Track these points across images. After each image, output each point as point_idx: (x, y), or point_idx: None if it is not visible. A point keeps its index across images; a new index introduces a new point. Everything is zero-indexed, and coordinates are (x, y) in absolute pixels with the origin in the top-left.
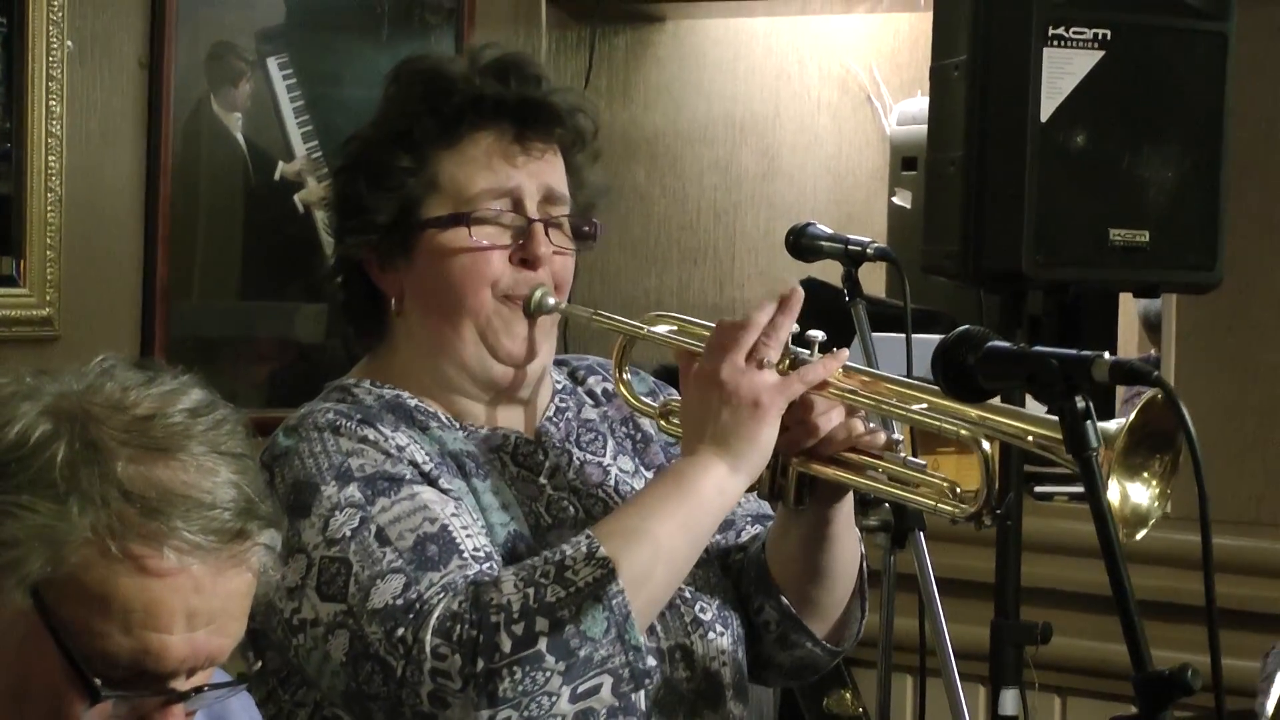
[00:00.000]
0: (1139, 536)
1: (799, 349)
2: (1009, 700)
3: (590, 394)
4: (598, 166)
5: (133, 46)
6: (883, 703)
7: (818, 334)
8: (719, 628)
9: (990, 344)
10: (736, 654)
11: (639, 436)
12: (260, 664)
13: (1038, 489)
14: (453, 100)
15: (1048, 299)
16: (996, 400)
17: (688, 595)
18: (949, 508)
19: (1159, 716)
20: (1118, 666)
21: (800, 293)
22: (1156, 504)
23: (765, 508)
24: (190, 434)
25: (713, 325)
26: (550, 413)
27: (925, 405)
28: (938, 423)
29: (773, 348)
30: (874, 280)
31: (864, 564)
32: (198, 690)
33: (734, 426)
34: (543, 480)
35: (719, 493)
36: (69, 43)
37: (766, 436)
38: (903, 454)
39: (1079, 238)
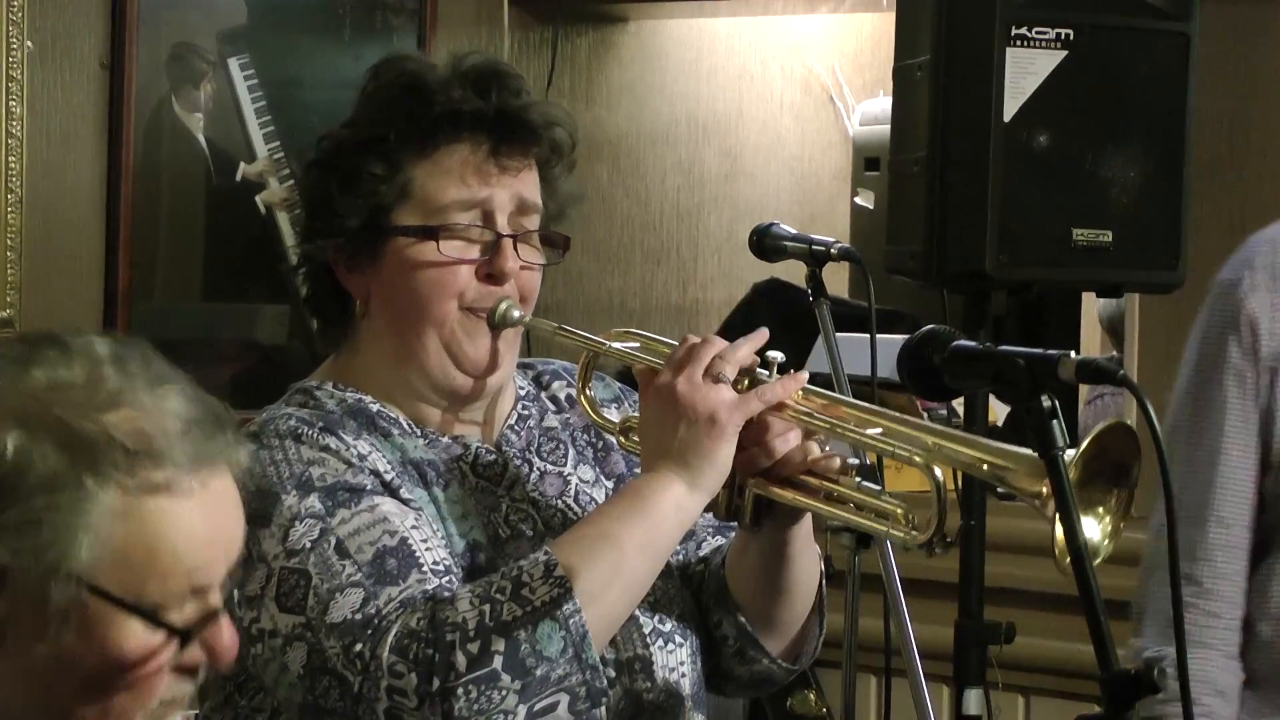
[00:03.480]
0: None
1: (758, 370)
2: (973, 700)
3: (553, 399)
4: (573, 178)
5: (93, 47)
6: (847, 703)
7: (777, 355)
8: (678, 639)
9: (956, 343)
10: (695, 665)
11: (600, 445)
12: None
13: (1001, 490)
14: (431, 111)
15: (1011, 299)
16: (959, 405)
17: (646, 607)
18: (900, 534)
19: (1124, 715)
20: (1082, 666)
21: (765, 332)
22: (1107, 540)
23: None
24: (130, 379)
25: (674, 343)
26: (512, 421)
27: (881, 430)
28: (892, 449)
29: (730, 365)
30: (836, 281)
31: (823, 582)
32: (231, 592)
33: (691, 443)
34: (501, 492)
35: (677, 510)
36: (29, 43)
37: (724, 454)
38: (858, 479)
39: (1042, 238)
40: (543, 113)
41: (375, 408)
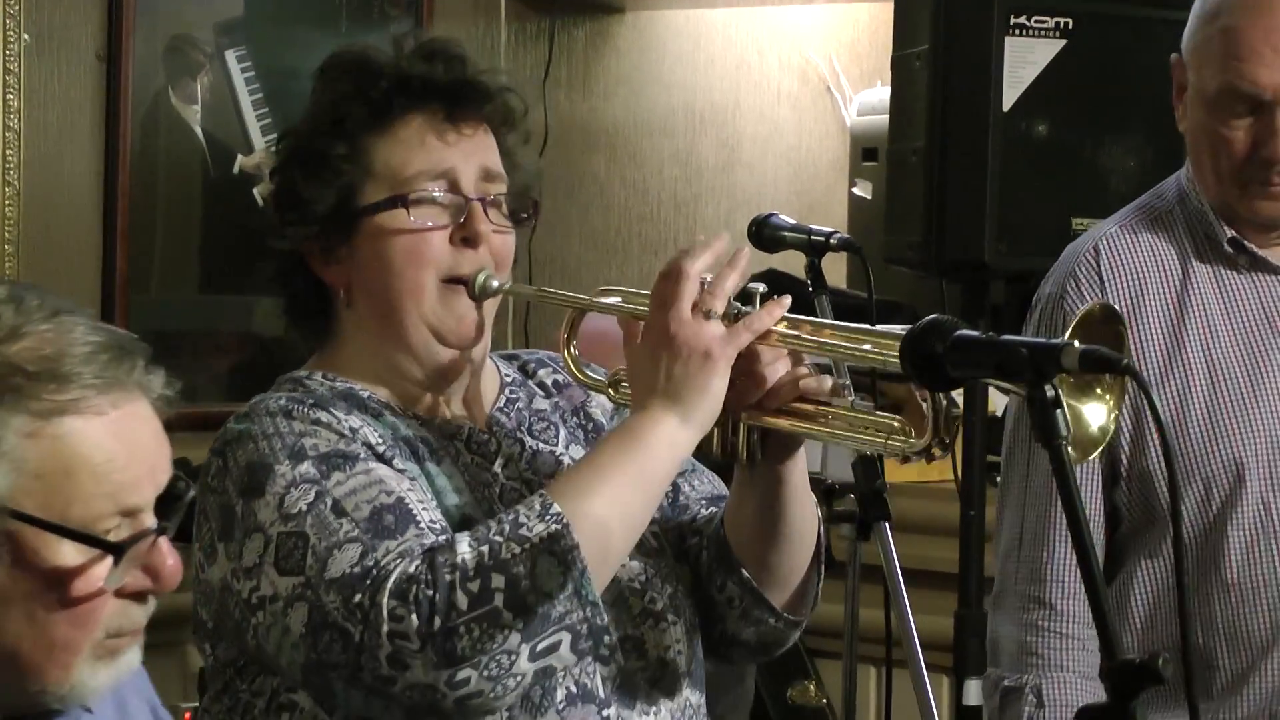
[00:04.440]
0: (1092, 457)
1: (738, 304)
2: (973, 691)
3: (541, 385)
4: (531, 150)
5: (90, 39)
6: (847, 694)
7: (759, 286)
8: (671, 617)
9: (959, 333)
10: (691, 643)
11: (590, 426)
12: (214, 656)
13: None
14: (381, 84)
15: (1010, 288)
16: (959, 396)
17: (638, 587)
18: (899, 444)
19: (1129, 705)
20: None
21: (747, 252)
22: (1110, 420)
23: (719, 489)
24: (28, 314)
25: None
26: (501, 404)
27: (870, 346)
28: (883, 358)
29: (719, 299)
30: (835, 271)
31: (821, 529)
32: (164, 521)
33: (684, 379)
34: (496, 469)
35: (670, 445)
36: (26, 35)
37: (717, 387)
38: (850, 398)
39: (1041, 227)
40: (492, 77)
41: (365, 393)
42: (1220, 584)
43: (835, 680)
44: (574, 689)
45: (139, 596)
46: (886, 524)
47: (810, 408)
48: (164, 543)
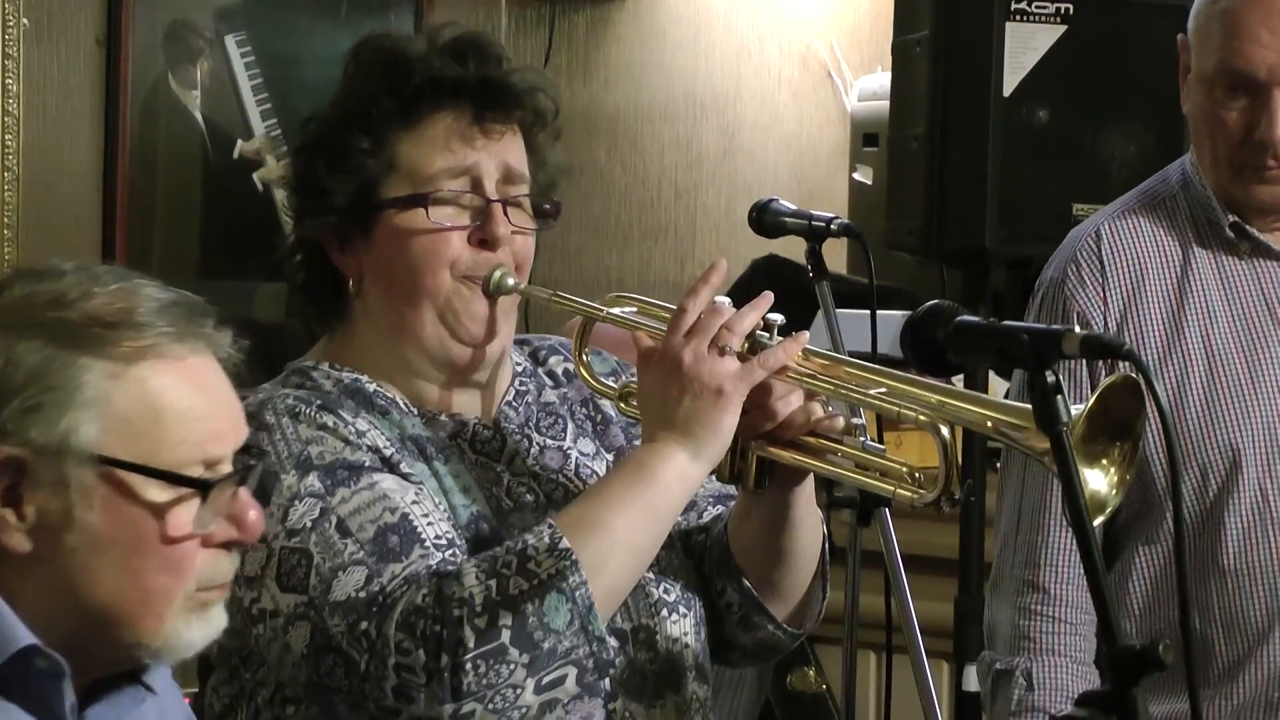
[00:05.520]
0: (1096, 523)
1: (759, 333)
2: (972, 677)
3: (551, 375)
4: (559, 146)
5: (90, 24)
6: (847, 680)
7: (777, 317)
8: (681, 609)
9: (960, 319)
10: (699, 636)
11: (599, 418)
12: (218, 643)
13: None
14: (411, 81)
15: (1010, 274)
16: (959, 382)
17: (651, 577)
18: (908, 493)
19: (1129, 691)
20: None
21: (770, 297)
22: (1115, 492)
23: (728, 488)
24: (99, 278)
25: (672, 307)
26: (509, 397)
27: (884, 390)
28: (896, 408)
29: (736, 336)
30: (835, 257)
31: (825, 546)
32: (244, 470)
33: (696, 414)
34: (501, 467)
35: (680, 480)
36: (25, 20)
37: (728, 424)
38: (863, 438)
39: (1042, 213)
40: (524, 78)
41: (372, 387)
42: (1217, 570)
43: (835, 666)
44: None
45: (226, 547)
46: (886, 510)
47: (821, 444)
48: (244, 493)
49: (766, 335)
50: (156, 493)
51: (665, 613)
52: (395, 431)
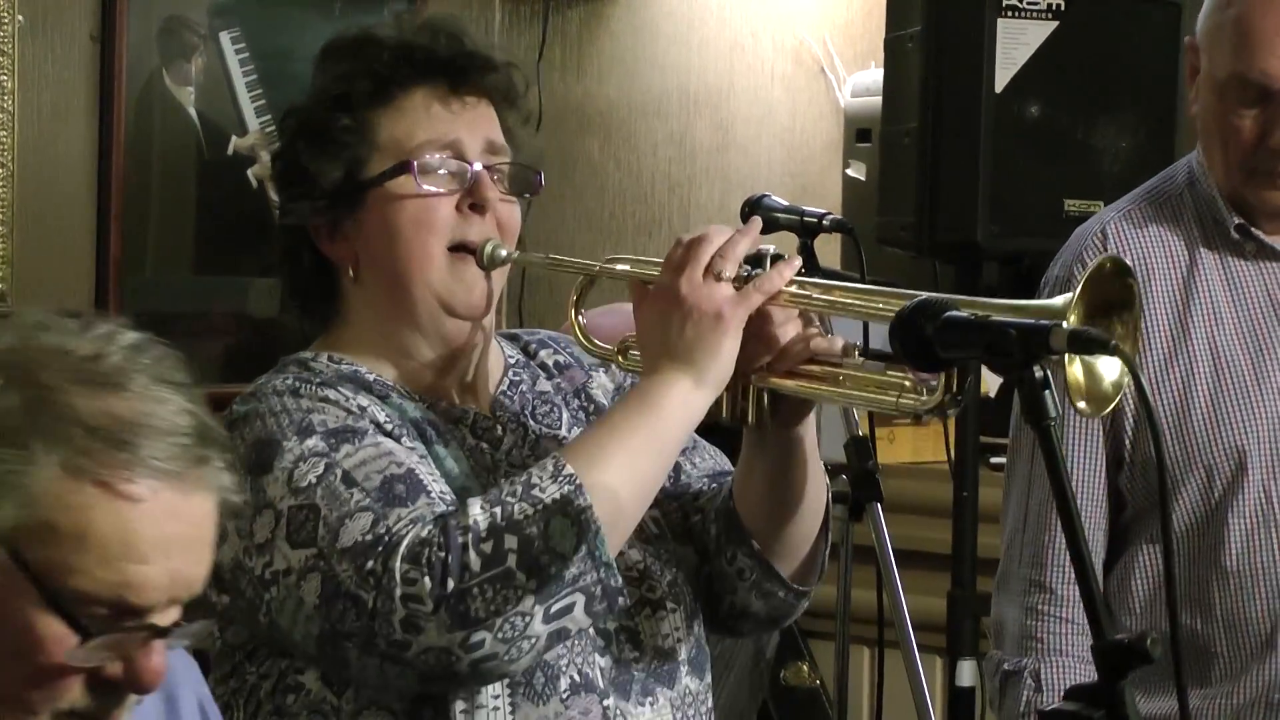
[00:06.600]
0: (1106, 411)
1: (750, 266)
2: (966, 671)
3: (543, 366)
4: (531, 131)
5: (84, 20)
6: (840, 674)
7: (769, 247)
8: (669, 604)
9: (948, 313)
10: (691, 629)
11: (591, 407)
12: (223, 639)
13: (994, 460)
14: (384, 57)
15: (1002, 269)
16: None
17: (635, 575)
18: (911, 401)
19: (1118, 685)
20: None
21: (759, 221)
22: (1123, 374)
23: (721, 465)
24: (135, 368)
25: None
26: (504, 387)
27: (881, 304)
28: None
29: (730, 262)
30: (828, 252)
31: (829, 498)
32: (177, 625)
33: (696, 341)
34: (500, 454)
35: (684, 407)
36: (20, 16)
37: (729, 349)
38: (861, 359)
39: (1034, 208)
40: (493, 53)
41: (371, 376)
42: (1220, 572)
43: (828, 661)
44: (577, 678)
45: (108, 686)
46: (879, 505)
47: (820, 369)
48: (158, 645)
49: (760, 270)
50: (46, 614)
51: (649, 610)
52: (396, 412)
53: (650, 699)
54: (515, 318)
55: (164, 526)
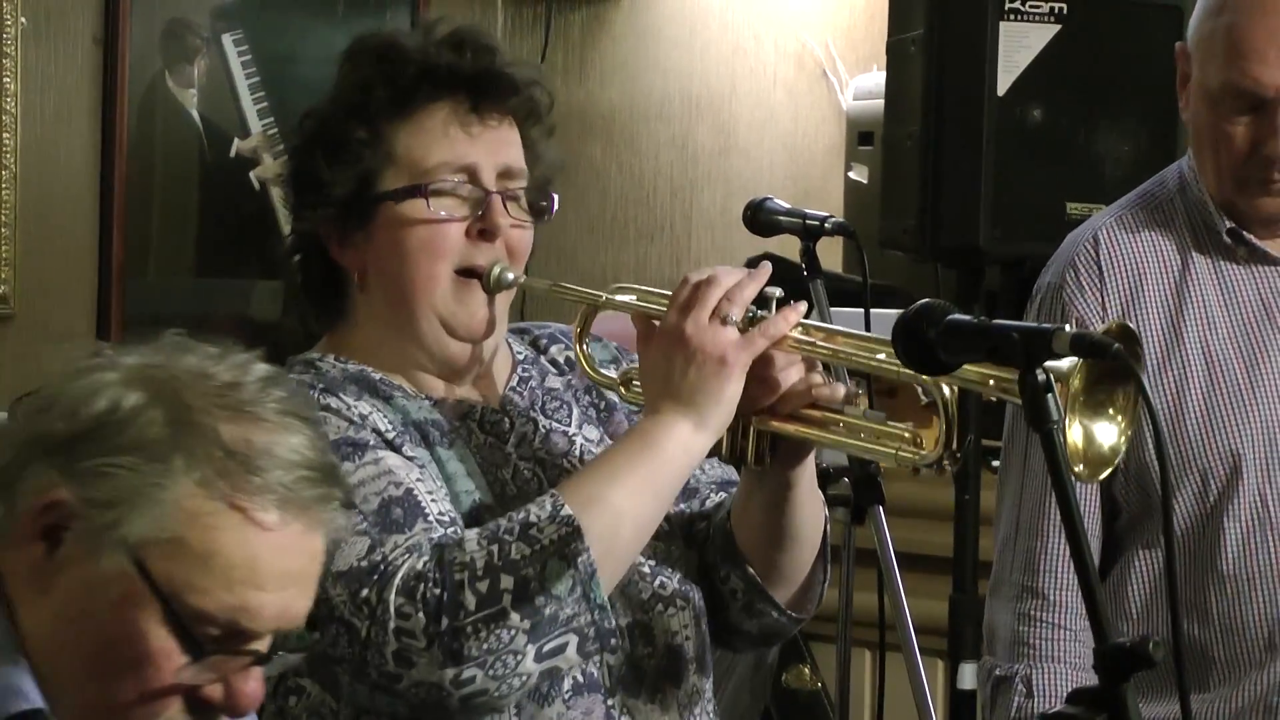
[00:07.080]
0: (1102, 477)
1: (755, 308)
2: (967, 674)
3: (553, 362)
4: (553, 141)
5: (87, 23)
6: (842, 678)
7: (775, 290)
8: (679, 602)
9: (951, 317)
10: (699, 627)
11: (603, 405)
12: None
13: (996, 463)
14: (407, 71)
15: (1005, 274)
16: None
17: (647, 571)
18: (910, 455)
19: (1120, 688)
20: None
21: (769, 266)
22: (1121, 439)
23: (730, 474)
24: (269, 399)
25: (671, 295)
26: (514, 383)
27: (884, 355)
28: (897, 370)
29: (737, 306)
30: (830, 256)
31: (827, 528)
32: (275, 652)
33: (699, 384)
34: (509, 449)
35: (684, 451)
36: (23, 19)
37: (731, 393)
38: (862, 407)
39: (1036, 212)
40: (519, 70)
41: (377, 376)
42: (1216, 576)
43: (830, 664)
44: (580, 678)
45: (205, 706)
46: (880, 508)
47: (821, 415)
48: (257, 673)
49: (764, 312)
50: (162, 627)
51: (662, 606)
52: (398, 416)
53: (660, 695)
54: (516, 317)
55: (286, 558)
